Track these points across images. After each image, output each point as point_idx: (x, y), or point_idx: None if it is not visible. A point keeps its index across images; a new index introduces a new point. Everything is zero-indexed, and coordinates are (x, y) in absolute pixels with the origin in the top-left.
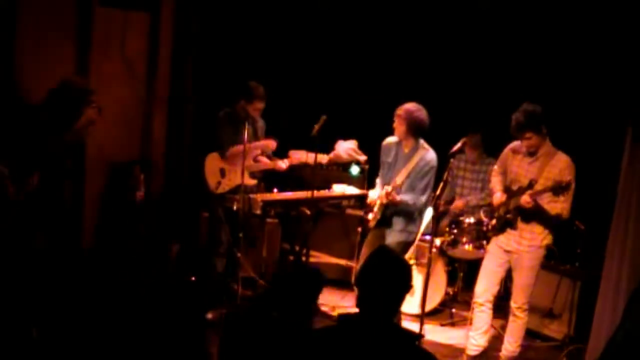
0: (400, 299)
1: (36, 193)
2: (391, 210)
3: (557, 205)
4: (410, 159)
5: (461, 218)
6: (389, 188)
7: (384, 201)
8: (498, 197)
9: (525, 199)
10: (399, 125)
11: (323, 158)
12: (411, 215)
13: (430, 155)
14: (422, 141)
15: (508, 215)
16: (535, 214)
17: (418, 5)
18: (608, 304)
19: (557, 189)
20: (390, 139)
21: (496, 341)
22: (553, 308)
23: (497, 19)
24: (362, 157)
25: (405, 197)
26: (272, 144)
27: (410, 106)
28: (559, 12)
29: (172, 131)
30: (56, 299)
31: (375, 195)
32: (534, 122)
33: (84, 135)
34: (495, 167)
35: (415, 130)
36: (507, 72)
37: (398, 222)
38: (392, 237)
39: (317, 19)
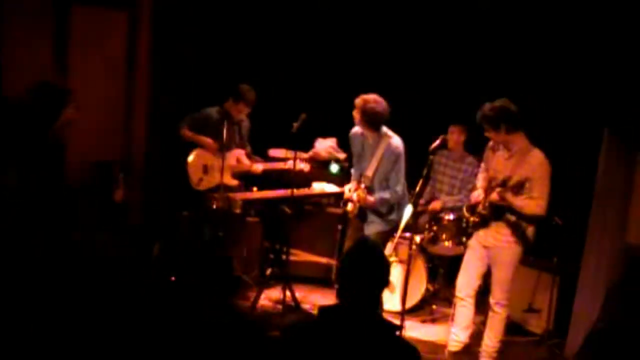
0: (379, 289)
1: (17, 194)
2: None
3: (532, 202)
4: (376, 149)
5: (441, 215)
6: (361, 193)
7: (360, 204)
8: (475, 195)
9: (494, 196)
10: (356, 114)
11: (305, 166)
12: (389, 208)
13: (395, 142)
14: (384, 129)
15: (483, 211)
16: (509, 210)
17: (400, 3)
18: (586, 299)
19: (518, 187)
20: (356, 129)
21: (478, 337)
22: (533, 303)
23: (479, 20)
24: (342, 155)
25: (379, 196)
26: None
27: (367, 96)
28: (542, 12)
29: (153, 130)
30: (44, 299)
31: (352, 188)
32: (488, 118)
33: (63, 135)
34: (482, 164)
35: (370, 121)
36: (491, 71)
37: (376, 213)
38: (371, 228)
39: (297, 18)
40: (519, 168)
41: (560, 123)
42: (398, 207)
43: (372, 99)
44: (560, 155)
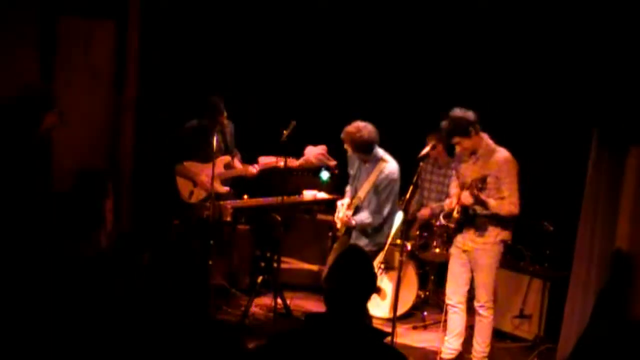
0: (365, 297)
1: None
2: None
3: (504, 202)
4: (371, 173)
5: (431, 221)
6: (347, 212)
7: (340, 224)
8: (447, 202)
9: (465, 196)
10: (346, 147)
11: (293, 162)
12: (376, 229)
13: (390, 168)
14: (381, 153)
15: (456, 215)
16: (482, 212)
17: (383, 11)
18: (577, 304)
19: (481, 181)
20: None
21: (470, 345)
22: (524, 309)
23: (461, 24)
24: (332, 162)
25: (361, 218)
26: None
27: (350, 128)
28: (527, 13)
29: (141, 138)
30: (24, 307)
31: (345, 204)
32: (458, 128)
33: (47, 141)
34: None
35: (361, 149)
36: (477, 74)
37: (363, 237)
38: None
39: (286, 24)
40: (485, 169)
41: (551, 129)
42: (384, 228)
43: (355, 130)
44: (551, 160)
